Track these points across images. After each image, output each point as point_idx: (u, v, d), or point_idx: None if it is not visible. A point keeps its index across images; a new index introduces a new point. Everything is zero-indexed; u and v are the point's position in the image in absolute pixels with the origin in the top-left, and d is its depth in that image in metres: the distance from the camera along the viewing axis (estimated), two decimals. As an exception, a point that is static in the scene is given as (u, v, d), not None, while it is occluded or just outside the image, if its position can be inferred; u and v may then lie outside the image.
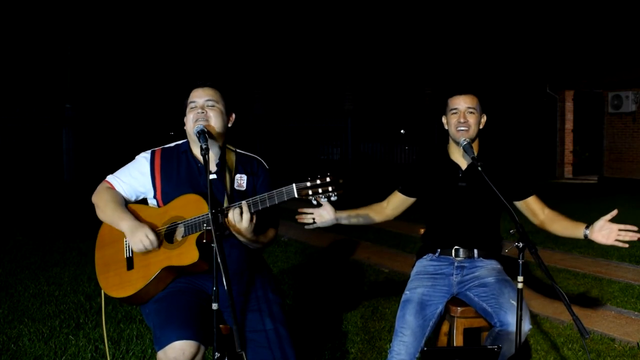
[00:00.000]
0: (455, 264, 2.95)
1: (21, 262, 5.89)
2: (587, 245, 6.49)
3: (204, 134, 2.43)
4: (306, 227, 2.91)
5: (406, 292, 2.90)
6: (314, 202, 2.32)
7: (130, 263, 2.52)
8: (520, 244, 2.35)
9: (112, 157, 11.84)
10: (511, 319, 2.57)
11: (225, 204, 2.52)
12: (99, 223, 2.67)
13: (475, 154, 2.88)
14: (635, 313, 4.36)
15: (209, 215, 2.22)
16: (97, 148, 12.48)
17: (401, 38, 19.09)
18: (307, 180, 2.29)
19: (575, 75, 16.22)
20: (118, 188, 2.62)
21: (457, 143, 2.93)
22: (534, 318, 4.16)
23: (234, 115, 2.69)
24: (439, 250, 3.01)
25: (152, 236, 2.44)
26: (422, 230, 3.23)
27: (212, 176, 2.58)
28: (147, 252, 2.47)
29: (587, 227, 2.72)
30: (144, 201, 2.69)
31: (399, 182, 3.14)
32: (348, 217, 3.00)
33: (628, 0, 16.26)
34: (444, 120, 3.02)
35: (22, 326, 4.03)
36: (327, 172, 2.30)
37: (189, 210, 2.45)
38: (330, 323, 4.16)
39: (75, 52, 16.49)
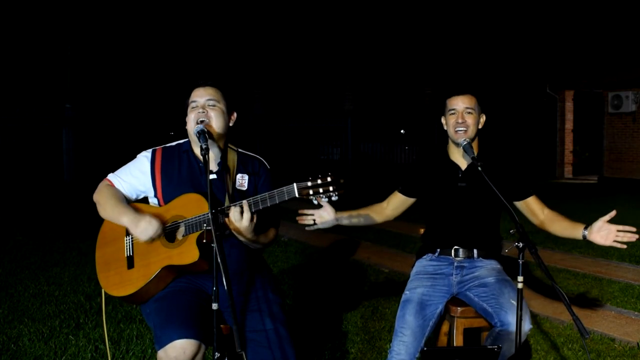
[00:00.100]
0: (455, 263, 2.95)
1: (21, 262, 5.89)
2: (587, 245, 6.49)
3: (204, 134, 2.43)
4: (307, 228, 2.90)
5: (406, 292, 2.90)
6: (315, 202, 2.31)
7: (130, 262, 2.52)
8: (520, 244, 2.35)
9: (112, 157, 11.84)
10: (511, 319, 2.57)
11: (227, 204, 2.52)
12: (99, 223, 2.67)
13: (475, 153, 2.88)
14: (635, 313, 4.36)
15: (209, 215, 2.22)
16: (97, 148, 12.48)
17: (401, 38, 19.09)
18: (308, 180, 2.29)
19: (575, 75, 16.22)
20: (119, 186, 2.62)
21: (456, 144, 2.93)
22: (534, 318, 4.16)
23: (235, 115, 2.68)
24: (438, 250, 3.01)
25: (155, 224, 2.42)
26: (422, 230, 3.23)
27: (213, 176, 2.58)
28: (148, 249, 2.47)
29: (585, 228, 2.72)
30: (144, 200, 2.69)
31: (399, 183, 3.14)
32: (349, 217, 3.00)
33: (628, 0, 16.26)
34: (443, 121, 3.02)
35: (22, 326, 4.03)
36: (328, 171, 2.30)
37: (190, 209, 2.45)
38: (330, 323, 4.16)
39: (75, 52, 16.49)
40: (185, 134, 2.67)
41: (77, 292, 4.84)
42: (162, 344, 2.26)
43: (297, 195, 2.30)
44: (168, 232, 2.49)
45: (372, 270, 5.67)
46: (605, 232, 2.66)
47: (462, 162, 2.99)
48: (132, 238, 2.54)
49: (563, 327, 4.09)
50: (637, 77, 13.84)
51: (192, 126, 2.55)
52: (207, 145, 2.38)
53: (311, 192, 2.28)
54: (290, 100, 19.28)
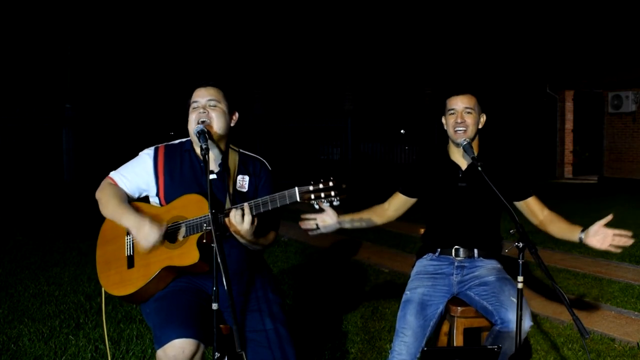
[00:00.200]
0: (456, 263, 2.96)
1: (21, 262, 5.89)
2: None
3: (204, 134, 2.43)
4: (310, 233, 2.88)
5: (407, 292, 2.90)
6: (316, 207, 2.30)
7: (131, 261, 2.52)
8: (520, 244, 2.35)
9: (112, 157, 11.84)
10: (512, 316, 2.57)
11: (227, 205, 2.51)
12: (99, 223, 2.67)
13: (475, 153, 2.88)
14: (635, 313, 4.36)
15: (210, 215, 2.22)
16: (97, 148, 12.48)
17: (401, 38, 19.09)
18: (310, 184, 2.28)
19: (575, 75, 16.22)
20: (121, 185, 2.61)
21: (456, 144, 2.93)
22: (534, 318, 4.16)
23: (237, 114, 2.67)
24: (439, 250, 3.01)
25: (157, 231, 2.40)
26: (422, 230, 3.23)
27: (213, 176, 2.58)
28: (149, 249, 2.47)
29: (582, 231, 2.73)
30: (145, 199, 2.68)
31: (399, 183, 3.13)
32: (351, 221, 2.98)
33: (628, 0, 16.26)
34: (443, 120, 3.02)
35: (22, 326, 4.03)
36: (330, 176, 2.29)
37: (191, 210, 2.45)
38: (330, 323, 4.16)
39: (75, 52, 16.48)
40: (186, 133, 2.67)
41: (77, 292, 4.84)
42: (161, 344, 2.26)
43: (298, 199, 2.29)
44: (169, 233, 2.49)
45: (372, 270, 5.67)
46: (601, 236, 2.67)
47: (463, 162, 2.99)
48: (132, 237, 2.54)
49: (563, 327, 4.09)
50: (637, 77, 13.84)
51: (193, 126, 2.55)
52: (207, 145, 2.38)
53: (312, 196, 2.28)
54: (290, 100, 19.27)
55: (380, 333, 3.94)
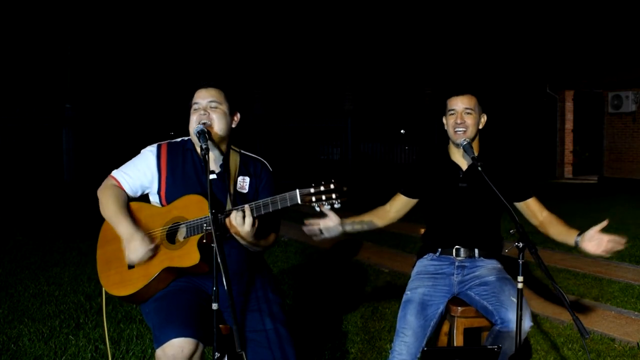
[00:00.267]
0: (456, 263, 2.96)
1: (21, 262, 5.89)
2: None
3: (204, 134, 2.43)
4: (315, 238, 2.84)
5: (407, 292, 2.90)
6: (317, 209, 2.30)
7: (131, 262, 2.52)
8: (520, 244, 2.36)
9: (112, 157, 11.83)
10: (512, 316, 2.57)
11: (228, 206, 2.51)
12: (99, 223, 2.67)
13: (476, 154, 2.88)
14: (635, 313, 4.36)
15: (210, 215, 2.22)
16: (97, 148, 12.48)
17: (401, 38, 19.09)
18: (311, 187, 2.28)
19: (575, 75, 16.21)
20: (123, 184, 2.61)
21: (456, 144, 2.93)
22: (534, 318, 4.16)
23: (238, 115, 2.67)
24: (439, 250, 3.01)
25: (144, 248, 2.42)
26: (422, 230, 3.23)
27: (213, 176, 2.58)
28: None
29: (579, 235, 2.74)
30: (145, 198, 2.68)
31: (400, 184, 3.13)
32: (352, 223, 2.95)
33: (628, 0, 16.26)
34: (444, 120, 3.02)
35: (22, 326, 4.03)
36: (331, 178, 2.29)
37: (192, 211, 2.45)
38: (330, 323, 4.16)
39: (75, 52, 16.48)
40: (187, 133, 2.67)
41: (77, 292, 4.84)
42: (161, 343, 2.26)
43: (299, 201, 2.29)
44: (169, 234, 2.49)
45: (372, 270, 5.67)
46: (596, 242, 2.68)
47: (463, 163, 2.99)
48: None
49: (563, 327, 4.09)
50: (637, 77, 13.84)
51: (193, 127, 2.55)
52: (207, 145, 2.38)
53: (314, 199, 2.27)
54: (290, 100, 19.27)
55: (380, 333, 3.94)
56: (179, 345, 2.24)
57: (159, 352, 2.26)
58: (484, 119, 2.99)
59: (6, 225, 7.77)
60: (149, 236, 2.48)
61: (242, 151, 2.73)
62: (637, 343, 3.79)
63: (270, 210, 2.35)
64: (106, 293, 2.58)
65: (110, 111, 14.00)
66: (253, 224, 2.37)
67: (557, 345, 3.78)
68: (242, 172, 2.65)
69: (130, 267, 2.51)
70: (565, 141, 16.48)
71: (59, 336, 3.86)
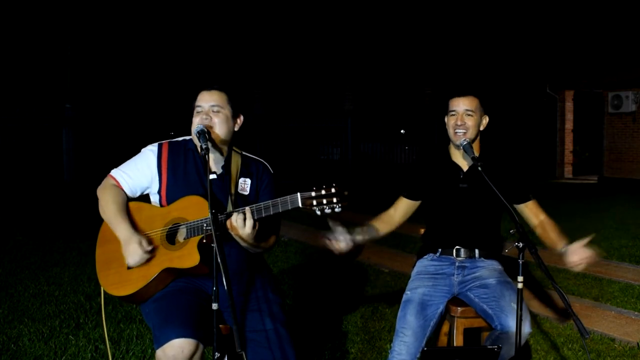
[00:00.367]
0: (457, 263, 2.96)
1: (21, 262, 5.89)
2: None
3: (204, 134, 2.43)
4: (337, 253, 2.86)
5: (407, 292, 2.90)
6: (318, 213, 2.30)
7: (131, 262, 2.52)
8: (520, 244, 2.36)
9: (112, 157, 11.82)
10: (512, 322, 2.57)
11: (229, 207, 2.51)
12: (99, 223, 2.67)
13: (476, 154, 2.88)
14: (635, 313, 4.36)
15: (210, 215, 2.22)
16: (97, 148, 12.48)
17: (401, 38, 19.09)
18: (312, 190, 2.28)
19: (575, 75, 16.21)
20: (123, 184, 2.61)
21: (456, 145, 2.93)
22: (534, 318, 4.16)
23: (241, 118, 2.66)
24: (440, 250, 3.01)
25: (141, 251, 2.42)
26: (422, 230, 3.23)
27: (213, 176, 2.57)
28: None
29: (565, 245, 2.74)
30: (146, 198, 2.68)
31: (402, 188, 3.11)
32: (362, 234, 2.95)
33: (628, 0, 16.26)
34: (445, 119, 3.02)
35: (22, 326, 4.03)
36: (332, 182, 2.30)
37: (192, 212, 2.45)
38: (330, 323, 4.16)
39: (75, 52, 16.48)
40: (188, 133, 2.66)
41: (77, 292, 4.84)
42: (161, 343, 2.26)
43: (300, 205, 2.29)
44: (169, 234, 2.49)
45: (372, 270, 5.67)
46: (578, 257, 2.68)
47: (464, 163, 2.99)
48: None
49: (563, 327, 4.09)
50: (637, 77, 13.83)
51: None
52: (207, 145, 2.38)
53: (315, 202, 2.27)
54: (290, 100, 19.27)
55: (380, 333, 3.94)
56: (179, 345, 2.24)
57: (159, 352, 2.26)
58: (485, 120, 2.99)
59: (6, 225, 7.77)
60: (148, 238, 2.48)
61: (244, 152, 2.73)
62: (637, 343, 3.79)
63: (272, 213, 2.35)
64: (106, 293, 2.58)
65: (110, 111, 14.00)
66: (254, 226, 2.37)
67: (557, 345, 3.78)
68: (243, 174, 2.65)
69: (130, 267, 2.51)
70: (565, 141, 16.48)
71: (59, 336, 3.86)
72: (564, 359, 3.62)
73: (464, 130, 2.88)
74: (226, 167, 2.60)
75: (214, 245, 2.15)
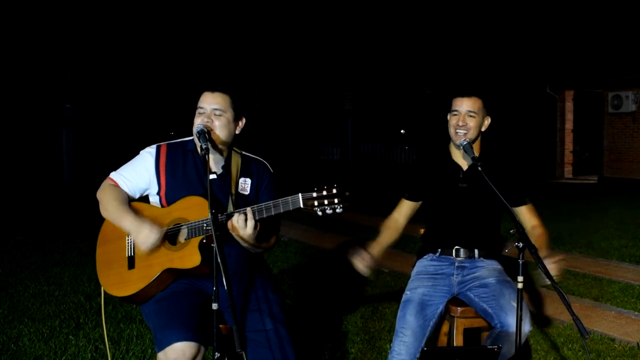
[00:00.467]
0: (456, 264, 2.96)
1: (21, 262, 5.89)
2: (587, 245, 6.50)
3: (204, 134, 2.43)
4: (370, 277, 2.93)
5: (407, 292, 2.90)
6: (319, 213, 2.30)
7: (131, 262, 2.52)
8: (521, 244, 2.36)
9: (112, 157, 11.83)
10: (512, 321, 2.57)
11: (230, 208, 2.51)
12: (99, 222, 2.67)
13: (476, 155, 2.87)
14: (635, 313, 4.36)
15: (210, 215, 2.22)
16: (97, 148, 12.47)
17: (401, 38, 19.09)
18: (314, 191, 2.28)
19: (575, 75, 16.21)
20: (122, 186, 2.61)
21: (456, 145, 2.93)
22: (534, 318, 4.16)
23: (243, 120, 2.65)
24: (439, 250, 3.01)
25: (156, 233, 2.41)
26: (422, 230, 3.23)
27: (213, 176, 2.57)
28: (150, 251, 2.47)
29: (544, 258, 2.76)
30: (145, 199, 2.68)
31: (404, 189, 3.11)
32: (379, 247, 2.99)
33: (628, 0, 16.26)
34: (448, 117, 3.01)
35: (22, 326, 4.03)
36: (333, 183, 2.30)
37: (193, 212, 2.45)
38: (330, 323, 4.16)
39: (75, 52, 16.48)
40: (188, 134, 2.66)
41: (77, 292, 4.84)
42: (162, 346, 2.26)
43: (301, 206, 2.29)
44: (170, 235, 2.49)
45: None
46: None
47: (464, 163, 2.99)
48: (132, 239, 2.53)
49: (563, 327, 4.09)
50: (637, 77, 13.83)
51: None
52: (207, 145, 2.38)
53: (316, 203, 2.27)
54: (290, 100, 19.27)
55: (380, 333, 3.94)
56: (180, 349, 2.24)
57: (160, 355, 2.27)
58: (487, 121, 2.98)
59: (6, 225, 7.77)
60: (156, 222, 2.47)
61: (244, 152, 2.73)
62: (637, 343, 3.79)
63: (273, 213, 2.35)
64: (106, 293, 2.58)
65: (110, 111, 14.00)
66: (255, 227, 2.37)
67: (557, 345, 3.78)
68: (243, 174, 2.65)
69: (131, 267, 2.51)
70: (565, 141, 16.47)
71: (59, 336, 3.86)
72: (564, 359, 3.62)
73: (464, 131, 2.88)
74: (226, 167, 2.60)
75: (214, 245, 2.15)
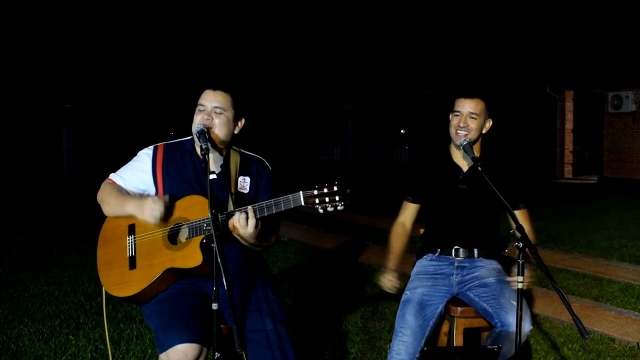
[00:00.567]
0: (456, 264, 2.96)
1: (21, 262, 5.89)
2: (587, 245, 6.50)
3: (204, 134, 2.43)
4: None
5: (406, 292, 2.91)
6: (320, 211, 2.30)
7: (132, 262, 2.52)
8: (520, 244, 2.36)
9: (112, 157, 11.83)
10: (512, 320, 2.57)
11: (230, 206, 2.51)
12: (99, 223, 2.67)
13: (476, 155, 2.87)
14: (635, 313, 4.36)
15: (210, 215, 2.22)
16: (97, 148, 12.47)
17: (401, 38, 19.09)
18: (314, 189, 2.28)
19: (575, 75, 16.21)
20: (121, 185, 2.62)
21: (456, 145, 2.93)
22: (534, 318, 4.16)
23: (243, 121, 2.65)
24: (439, 250, 3.02)
25: (159, 203, 2.42)
26: (421, 231, 3.23)
27: (213, 176, 2.57)
28: (151, 250, 2.47)
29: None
30: None
31: (406, 192, 3.11)
32: (396, 259, 3.03)
33: (628, 0, 16.26)
34: (450, 117, 3.01)
35: (22, 326, 4.03)
36: (334, 180, 2.30)
37: (194, 212, 2.45)
38: (330, 323, 4.16)
39: (75, 52, 16.48)
40: (187, 133, 2.66)
41: (77, 292, 4.84)
42: (164, 348, 2.26)
43: (302, 203, 2.28)
44: (171, 234, 2.49)
45: (372, 270, 5.66)
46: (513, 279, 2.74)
47: (464, 164, 2.99)
48: (134, 238, 2.54)
49: (563, 327, 4.09)
50: (637, 77, 13.83)
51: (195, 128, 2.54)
52: (207, 145, 2.38)
53: (317, 201, 2.27)
54: (290, 100, 19.27)
55: (380, 333, 3.94)
56: (182, 350, 2.24)
57: (162, 356, 2.27)
58: (488, 124, 2.98)
59: (6, 225, 7.77)
60: (157, 196, 2.47)
61: (242, 150, 2.73)
62: (637, 343, 3.79)
63: (274, 212, 2.34)
64: (106, 293, 2.58)
65: (110, 111, 13.99)
66: (256, 226, 2.37)
67: (557, 345, 3.78)
68: (242, 172, 2.65)
69: (132, 267, 2.51)
70: (565, 141, 16.48)
71: (59, 336, 3.86)
72: (564, 359, 3.62)
73: (465, 132, 2.89)
74: (225, 166, 2.60)
75: (214, 245, 2.15)
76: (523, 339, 2.59)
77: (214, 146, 2.54)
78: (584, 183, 15.12)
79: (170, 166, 2.61)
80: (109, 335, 3.64)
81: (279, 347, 2.44)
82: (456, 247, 2.97)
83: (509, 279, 2.83)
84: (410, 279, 3.01)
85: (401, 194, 3.14)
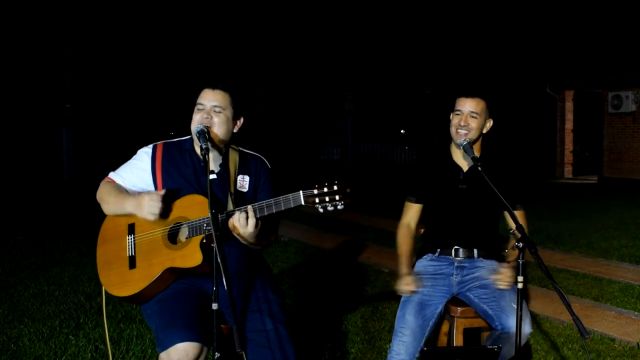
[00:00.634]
0: (455, 264, 2.96)
1: (21, 262, 5.89)
2: (587, 245, 6.50)
3: (204, 134, 2.43)
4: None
5: (406, 292, 2.90)
6: (320, 210, 2.30)
7: (132, 262, 2.52)
8: (520, 244, 2.36)
9: (112, 157, 11.82)
10: (512, 323, 2.57)
11: (229, 206, 2.51)
12: (99, 222, 2.67)
13: (476, 155, 2.87)
14: (635, 313, 4.36)
15: (210, 215, 2.22)
16: (97, 148, 12.48)
17: (401, 38, 19.09)
18: (315, 188, 2.27)
19: (575, 75, 16.21)
20: (120, 183, 2.62)
21: (457, 144, 2.93)
22: (534, 318, 4.16)
23: (242, 120, 2.65)
24: (438, 250, 3.02)
25: (155, 199, 2.43)
26: (421, 231, 3.23)
27: (213, 176, 2.57)
28: (150, 250, 2.47)
29: (504, 263, 2.85)
30: None
31: (408, 193, 3.11)
32: (407, 262, 2.99)
33: (628, 0, 16.26)
34: (450, 117, 3.00)
35: (22, 326, 4.03)
36: (334, 180, 2.29)
37: (194, 211, 2.45)
38: (330, 323, 4.16)
39: (75, 52, 16.48)
40: (187, 132, 2.66)
41: (77, 292, 4.84)
42: (165, 347, 2.26)
43: (303, 203, 2.28)
44: (171, 234, 2.49)
45: (372, 270, 5.67)
46: (501, 276, 2.81)
47: (464, 164, 2.99)
48: (134, 237, 2.54)
49: (563, 327, 4.09)
50: (637, 77, 13.83)
51: (194, 127, 2.54)
52: (207, 145, 2.38)
53: (317, 200, 2.27)
54: (290, 100, 19.27)
55: (380, 333, 3.94)
56: (183, 349, 2.24)
57: (163, 355, 2.27)
58: (489, 124, 2.98)
59: (6, 225, 7.77)
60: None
61: (241, 149, 2.73)
62: (637, 343, 3.79)
63: (274, 211, 2.34)
64: (106, 293, 2.58)
65: (110, 111, 13.99)
66: (256, 225, 2.37)
67: (557, 345, 3.78)
68: (241, 171, 2.65)
69: (132, 267, 2.51)
70: (565, 141, 16.47)
71: (59, 336, 3.86)
72: (564, 359, 3.62)
73: (466, 131, 2.88)
74: (224, 165, 2.60)
75: (214, 245, 2.15)
76: (523, 341, 2.59)
77: (213, 145, 2.54)
78: (584, 183, 15.12)
79: (170, 165, 2.61)
80: (109, 335, 3.64)
81: (279, 347, 2.44)
82: (456, 247, 2.97)
83: (494, 277, 2.82)
84: (411, 279, 3.01)
85: (403, 195, 3.14)
